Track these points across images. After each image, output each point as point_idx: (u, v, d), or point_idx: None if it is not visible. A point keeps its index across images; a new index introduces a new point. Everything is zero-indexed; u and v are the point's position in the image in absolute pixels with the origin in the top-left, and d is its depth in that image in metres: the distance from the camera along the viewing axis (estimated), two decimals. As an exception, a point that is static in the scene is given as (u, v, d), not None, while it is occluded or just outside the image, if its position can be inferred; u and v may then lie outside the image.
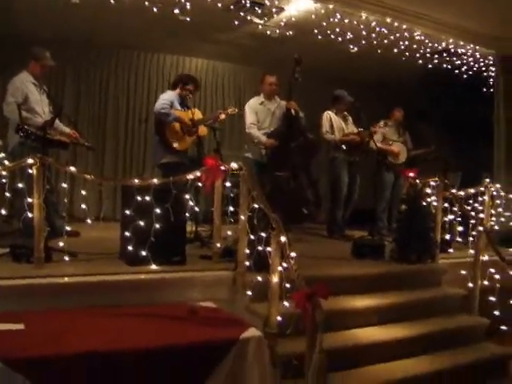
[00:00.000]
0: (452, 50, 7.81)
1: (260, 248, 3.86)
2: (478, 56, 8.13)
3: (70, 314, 3.39)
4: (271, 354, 3.37)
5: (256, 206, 3.92)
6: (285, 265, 3.48)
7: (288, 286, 3.42)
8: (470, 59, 8.22)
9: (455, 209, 5.53)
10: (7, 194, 4.24)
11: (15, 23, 6.98)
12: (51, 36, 7.29)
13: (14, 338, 2.86)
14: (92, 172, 7.88)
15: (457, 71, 8.55)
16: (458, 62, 8.26)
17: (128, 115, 8.81)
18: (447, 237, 5.63)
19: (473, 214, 5.54)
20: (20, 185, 4.10)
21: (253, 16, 6.65)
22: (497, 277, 4.50)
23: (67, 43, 7.98)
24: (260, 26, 7.08)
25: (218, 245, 4.51)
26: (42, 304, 3.52)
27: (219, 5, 6.11)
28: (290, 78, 6.28)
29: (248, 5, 6.27)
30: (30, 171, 3.89)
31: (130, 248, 4.09)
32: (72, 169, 4.13)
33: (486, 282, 4.71)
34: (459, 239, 5.79)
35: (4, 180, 4.11)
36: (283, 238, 3.47)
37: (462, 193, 5.83)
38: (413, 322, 4.42)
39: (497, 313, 4.41)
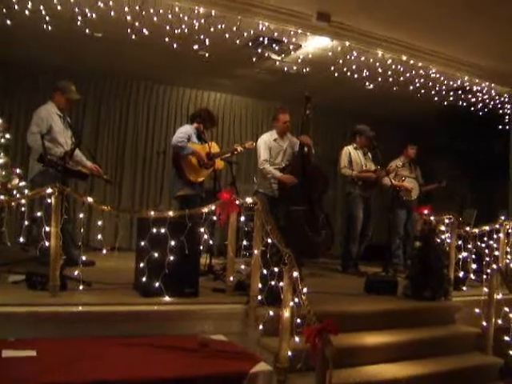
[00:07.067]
0: (467, 88, 7.86)
1: (272, 283, 3.89)
2: (494, 93, 8.18)
3: (82, 342, 3.43)
4: (281, 389, 3.36)
5: (269, 240, 3.94)
6: (296, 300, 3.49)
7: (299, 321, 3.43)
8: (486, 96, 8.27)
9: (469, 246, 5.51)
10: (26, 222, 4.31)
11: (40, 53, 7.20)
12: (73, 66, 7.53)
13: (26, 364, 2.90)
14: (109, 202, 8.08)
15: (472, 108, 8.60)
16: (474, 99, 8.31)
17: (146, 146, 8.93)
18: (461, 274, 5.59)
19: (487, 251, 5.50)
20: (39, 213, 4.13)
21: (271, 53, 6.79)
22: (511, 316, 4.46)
23: (88, 74, 8.22)
24: (277, 63, 7.23)
25: (232, 278, 4.53)
26: (55, 332, 3.56)
27: (237, 41, 6.23)
28: (303, 115, 6.42)
29: (266, 42, 6.39)
30: (49, 200, 3.95)
31: (143, 279, 4.13)
32: (90, 199, 4.17)
33: (500, 321, 4.67)
34: (473, 277, 5.73)
35: (23, 208, 4.19)
36: (295, 273, 3.49)
37: (476, 230, 5.80)
38: (425, 359, 4.36)
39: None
